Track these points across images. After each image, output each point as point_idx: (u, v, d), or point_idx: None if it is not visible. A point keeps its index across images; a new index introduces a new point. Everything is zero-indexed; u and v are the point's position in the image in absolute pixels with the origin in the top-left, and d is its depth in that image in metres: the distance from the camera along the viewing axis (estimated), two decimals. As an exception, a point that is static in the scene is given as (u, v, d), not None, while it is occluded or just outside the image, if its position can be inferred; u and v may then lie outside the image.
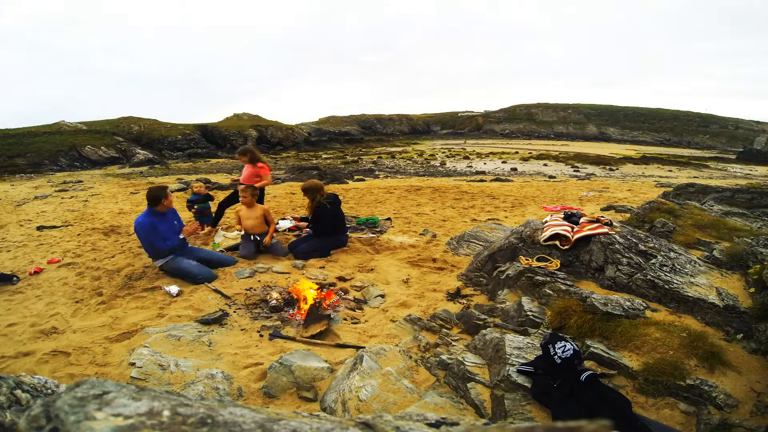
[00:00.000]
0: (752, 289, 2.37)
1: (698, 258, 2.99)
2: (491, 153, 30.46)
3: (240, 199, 5.06)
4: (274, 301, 3.43)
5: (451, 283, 3.89)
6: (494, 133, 56.94)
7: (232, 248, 5.07)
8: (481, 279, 3.74)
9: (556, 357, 1.96)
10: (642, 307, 2.43)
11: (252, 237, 4.87)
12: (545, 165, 23.07)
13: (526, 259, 3.29)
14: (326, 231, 4.93)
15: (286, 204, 9.10)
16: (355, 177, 16.49)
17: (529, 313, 2.64)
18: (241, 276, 4.20)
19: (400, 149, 34.97)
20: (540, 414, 1.87)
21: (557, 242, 3.31)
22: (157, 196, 4.13)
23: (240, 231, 5.11)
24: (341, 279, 4.11)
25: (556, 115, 61.76)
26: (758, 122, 56.70)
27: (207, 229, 5.93)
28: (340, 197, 5.72)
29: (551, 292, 2.75)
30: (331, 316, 3.21)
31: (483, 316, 2.83)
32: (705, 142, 50.29)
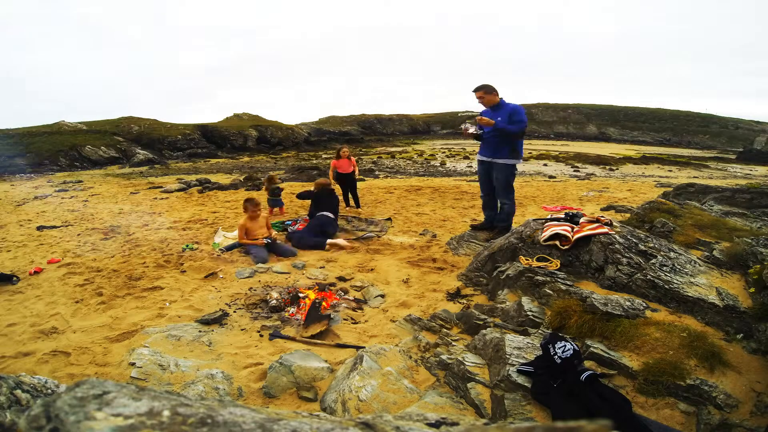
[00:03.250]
0: (752, 289, 2.37)
1: (698, 258, 2.99)
2: (491, 153, 30.40)
3: (252, 212, 5.21)
4: (274, 301, 3.44)
5: (451, 283, 3.89)
6: (494, 134, 56.74)
7: (230, 247, 5.11)
8: (481, 279, 3.74)
9: (556, 357, 1.96)
10: (642, 307, 2.43)
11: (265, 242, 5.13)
12: (545, 165, 23.04)
13: (526, 259, 3.29)
14: (317, 208, 5.89)
15: (286, 204, 9.09)
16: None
17: (529, 313, 2.64)
18: (241, 276, 4.20)
19: (400, 149, 34.94)
20: (540, 414, 1.87)
21: (557, 242, 3.31)
22: None
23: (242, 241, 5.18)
24: (341, 279, 4.11)
25: (556, 115, 61.71)
26: (758, 122, 56.62)
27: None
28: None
29: (551, 292, 2.75)
30: (331, 316, 3.21)
31: (483, 316, 2.83)
32: (705, 142, 50.23)
